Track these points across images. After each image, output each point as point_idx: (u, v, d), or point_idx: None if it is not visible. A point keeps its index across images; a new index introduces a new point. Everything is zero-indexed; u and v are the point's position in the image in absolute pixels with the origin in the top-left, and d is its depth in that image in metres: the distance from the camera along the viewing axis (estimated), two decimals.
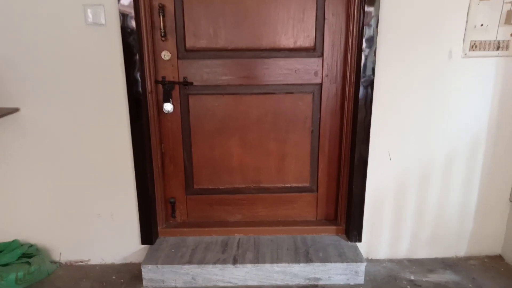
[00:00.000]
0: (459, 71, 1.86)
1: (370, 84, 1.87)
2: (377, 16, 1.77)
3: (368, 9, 1.77)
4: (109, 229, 2.08)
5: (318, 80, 1.98)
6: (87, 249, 2.11)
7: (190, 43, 1.93)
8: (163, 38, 1.89)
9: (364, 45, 1.82)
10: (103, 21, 1.76)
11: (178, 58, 1.94)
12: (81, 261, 2.13)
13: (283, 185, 2.16)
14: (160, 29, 1.87)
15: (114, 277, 2.02)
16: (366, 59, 1.83)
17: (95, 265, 2.12)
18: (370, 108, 1.90)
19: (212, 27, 1.90)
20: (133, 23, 1.77)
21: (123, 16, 1.76)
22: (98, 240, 2.09)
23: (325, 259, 1.90)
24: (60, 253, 2.11)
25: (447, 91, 1.90)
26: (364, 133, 1.94)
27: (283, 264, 1.87)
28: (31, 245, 2.05)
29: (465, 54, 1.81)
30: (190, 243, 2.07)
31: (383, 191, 2.05)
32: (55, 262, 2.11)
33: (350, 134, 2.00)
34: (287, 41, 1.93)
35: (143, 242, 2.08)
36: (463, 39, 1.80)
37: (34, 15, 1.75)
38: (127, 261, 2.13)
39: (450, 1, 1.77)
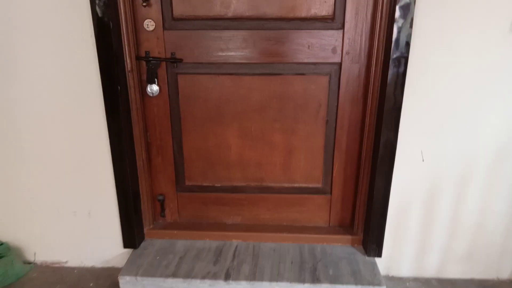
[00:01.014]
0: None
1: (403, 64, 1.46)
2: None
3: None
4: (87, 229, 1.80)
5: (337, 59, 1.58)
6: (64, 250, 1.85)
7: (178, 9, 1.56)
8: (144, 4, 1.53)
9: (397, 13, 1.39)
10: None
11: (164, 28, 1.58)
12: (57, 263, 1.88)
13: (290, 185, 1.81)
14: None
15: (91, 284, 1.76)
16: (399, 32, 1.42)
17: (73, 268, 1.86)
18: (401, 96, 1.50)
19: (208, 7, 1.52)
20: None
21: None
22: (75, 241, 1.83)
23: (335, 279, 1.57)
24: (35, 253, 1.87)
25: (503, 75, 1.47)
26: (392, 126, 1.55)
27: (284, 284, 1.55)
28: (1, 243, 1.80)
29: None
30: (179, 249, 1.77)
31: (410, 196, 1.67)
32: (29, 263, 1.87)
33: (374, 127, 1.61)
34: (298, 8, 1.52)
35: (125, 246, 1.80)
36: None
37: None
38: (109, 265, 1.87)
39: None
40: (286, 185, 1.81)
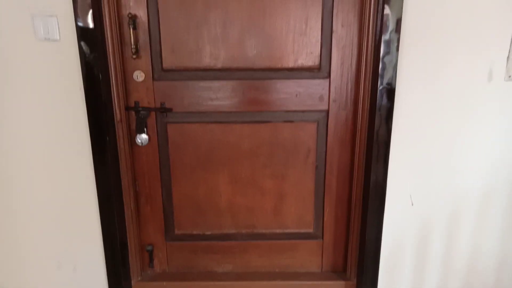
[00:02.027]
0: (501, 97, 1.49)
1: (389, 111, 1.51)
2: (399, 27, 1.42)
3: (387, 18, 1.41)
4: (71, 282, 1.72)
5: (324, 106, 1.62)
6: None
7: (167, 61, 1.58)
8: (134, 56, 1.55)
9: (381, 63, 1.46)
10: (57, 37, 1.41)
11: (153, 79, 1.60)
12: None
13: (281, 231, 1.79)
14: (131, 44, 1.53)
15: None
16: (383, 80, 1.48)
17: None
18: (388, 139, 1.54)
19: (195, 41, 1.55)
20: (94, 38, 1.43)
21: (82, 30, 1.41)
22: None
23: None
24: None
25: (485, 120, 1.53)
26: (381, 169, 1.57)
27: None
28: None
29: (510, 76, 1.45)
30: None
31: (402, 237, 1.68)
32: None
33: (363, 171, 1.64)
34: (286, 59, 1.57)
35: None
36: (508, 57, 1.44)
37: None
38: None
39: (490, 9, 1.41)
40: (277, 231, 1.79)
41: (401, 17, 1.41)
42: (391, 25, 1.42)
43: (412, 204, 1.62)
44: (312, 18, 1.53)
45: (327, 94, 1.61)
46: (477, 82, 1.47)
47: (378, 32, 1.45)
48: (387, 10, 1.41)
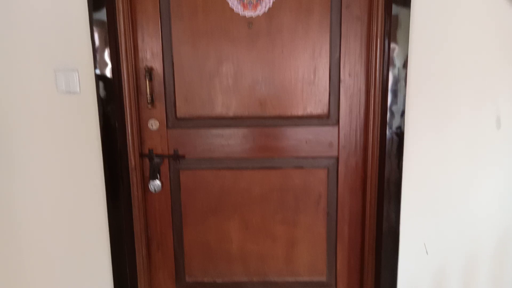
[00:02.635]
0: (510, 146, 1.49)
1: (398, 158, 1.52)
2: (405, 77, 1.46)
3: (393, 69, 1.46)
4: None
5: (334, 153, 1.64)
6: None
7: (181, 110, 1.64)
8: (150, 105, 1.61)
9: (389, 112, 1.49)
10: (77, 89, 1.50)
11: (167, 127, 1.65)
12: None
13: (294, 279, 1.76)
14: (147, 94, 1.60)
15: None
16: (391, 128, 1.50)
17: None
18: (398, 187, 1.54)
19: (207, 91, 1.62)
20: (113, 90, 1.51)
21: (101, 83, 1.50)
22: None
23: None
24: None
25: (496, 167, 1.52)
26: (393, 217, 1.56)
27: None
28: None
29: None
30: None
31: (417, 286, 1.62)
32: None
33: (375, 218, 1.62)
34: (295, 107, 1.62)
35: None
36: None
37: None
38: None
39: (495, 57, 1.44)
40: (289, 279, 1.76)
41: (407, 68, 1.45)
42: (397, 75, 1.46)
43: (427, 253, 1.58)
44: (320, 68, 1.58)
45: (337, 141, 1.63)
46: (486, 130, 1.48)
47: (384, 82, 1.50)
48: (393, 61, 1.45)
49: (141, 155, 1.66)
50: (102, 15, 1.46)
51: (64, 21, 1.46)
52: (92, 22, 1.46)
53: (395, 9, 1.43)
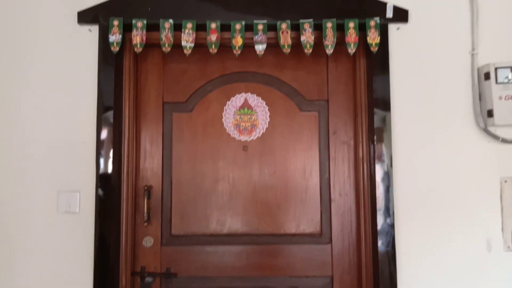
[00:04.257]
0: (502, 268, 1.50)
1: (391, 277, 1.51)
2: (391, 197, 1.53)
3: (379, 190, 1.54)
4: None
5: (328, 272, 1.63)
6: None
7: (177, 227, 1.67)
8: (146, 223, 1.64)
9: (379, 234, 1.53)
10: (77, 210, 1.54)
11: (162, 244, 1.66)
12: None
13: None
14: (144, 212, 1.64)
15: None
16: (383, 248, 1.52)
17: None
18: None
19: (203, 208, 1.67)
20: (112, 210, 1.56)
21: (101, 203, 1.55)
22: None
23: None
24: None
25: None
26: None
27: None
28: None
29: (508, 247, 1.49)
30: None
31: None
32: None
33: None
34: (288, 225, 1.66)
35: None
36: (502, 229, 1.51)
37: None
38: None
39: (479, 181, 1.54)
40: None
41: (393, 190, 1.54)
42: (384, 196, 1.54)
43: None
44: (311, 188, 1.67)
45: (330, 260, 1.63)
46: (477, 253, 1.51)
47: (372, 202, 1.57)
48: (379, 185, 1.55)
49: (133, 273, 1.64)
50: (109, 139, 1.58)
51: (71, 144, 1.57)
52: (98, 146, 1.57)
53: (378, 137, 1.57)
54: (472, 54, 1.54)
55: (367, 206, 1.60)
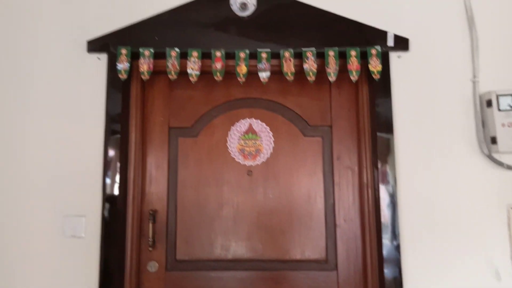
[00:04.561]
0: None
1: None
2: (397, 224, 1.53)
3: (384, 216, 1.54)
4: None
5: None
6: None
7: (181, 252, 1.67)
8: (151, 248, 1.65)
9: (385, 261, 1.52)
10: (82, 234, 1.55)
11: (166, 269, 1.65)
12: None
13: None
14: (149, 237, 1.65)
15: None
16: (389, 275, 1.51)
17: None
18: None
19: (208, 233, 1.67)
20: (116, 235, 1.56)
21: (106, 228, 1.56)
22: None
23: None
24: None
25: None
26: None
27: None
28: None
29: None
30: None
31: None
32: None
33: None
34: (293, 251, 1.65)
35: None
36: (511, 256, 1.49)
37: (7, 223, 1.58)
38: None
39: (487, 209, 1.53)
40: None
41: (398, 217, 1.53)
42: (390, 224, 1.53)
43: None
44: (315, 212, 1.67)
45: (336, 287, 1.61)
46: (485, 281, 1.49)
47: (378, 228, 1.56)
48: (384, 211, 1.54)
49: None
50: (115, 164, 1.60)
51: (78, 169, 1.59)
52: (105, 171, 1.59)
53: (382, 162, 1.57)
54: (474, 82, 1.56)
55: (373, 232, 1.59)
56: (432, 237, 1.53)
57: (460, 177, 1.55)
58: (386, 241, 1.53)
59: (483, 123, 1.54)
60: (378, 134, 1.59)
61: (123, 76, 1.58)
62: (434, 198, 1.55)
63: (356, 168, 1.69)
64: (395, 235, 1.53)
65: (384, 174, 1.57)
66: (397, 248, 1.52)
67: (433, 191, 1.55)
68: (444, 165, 1.56)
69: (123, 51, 1.59)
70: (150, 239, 1.64)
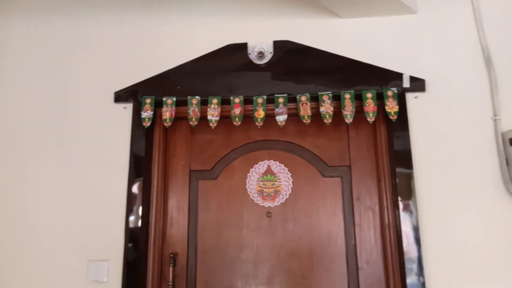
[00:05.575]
0: None
1: None
2: (422, 267, 1.47)
3: (408, 258, 1.49)
4: None
5: None
6: None
7: None
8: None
9: None
10: (104, 279, 1.58)
11: None
12: None
13: None
14: (169, 280, 1.66)
15: None
16: None
17: None
18: None
19: (228, 277, 1.66)
20: (138, 279, 1.58)
21: (128, 273, 1.58)
22: None
23: None
24: None
25: None
26: None
27: None
28: None
29: None
30: None
31: None
32: None
33: None
34: None
35: None
36: None
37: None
38: None
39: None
40: None
41: (421, 256, 1.48)
42: (414, 267, 1.48)
43: None
44: (336, 254, 1.63)
45: None
46: None
47: (401, 271, 1.51)
48: (408, 253, 1.50)
49: None
50: (137, 208, 1.64)
51: (102, 214, 1.65)
52: (128, 215, 1.63)
53: (404, 203, 1.55)
54: (495, 120, 1.54)
55: (397, 275, 1.54)
56: (459, 281, 1.46)
57: (487, 217, 1.50)
58: (411, 283, 1.47)
59: (507, 162, 1.49)
60: (398, 170, 1.57)
61: (146, 123, 1.66)
62: (458, 238, 1.49)
63: (377, 208, 1.66)
64: (419, 277, 1.47)
65: (406, 214, 1.54)
66: None
67: (458, 231, 1.50)
68: (467, 204, 1.51)
69: (148, 100, 1.68)
70: (171, 283, 1.65)
